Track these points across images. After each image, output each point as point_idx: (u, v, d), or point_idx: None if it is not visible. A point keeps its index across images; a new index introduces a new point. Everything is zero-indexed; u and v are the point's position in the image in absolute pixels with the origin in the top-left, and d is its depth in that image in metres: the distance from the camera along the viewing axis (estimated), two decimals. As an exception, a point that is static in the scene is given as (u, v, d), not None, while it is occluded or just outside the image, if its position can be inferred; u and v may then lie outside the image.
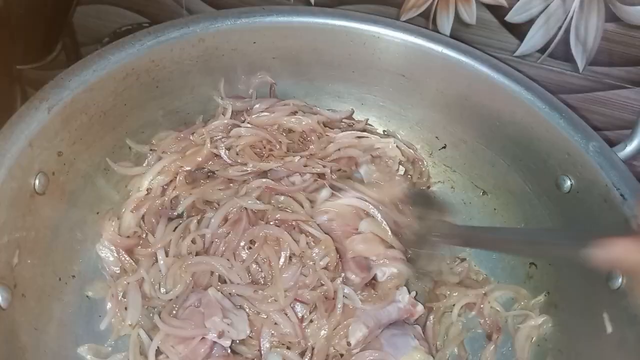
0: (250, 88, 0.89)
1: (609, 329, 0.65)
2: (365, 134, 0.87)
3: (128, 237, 0.76)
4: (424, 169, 0.90)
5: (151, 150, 0.81)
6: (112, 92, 0.74)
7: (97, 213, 0.78)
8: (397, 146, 0.87)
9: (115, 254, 0.75)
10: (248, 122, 0.84)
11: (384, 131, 0.94)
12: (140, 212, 0.77)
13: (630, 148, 0.70)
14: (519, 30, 0.89)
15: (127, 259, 0.75)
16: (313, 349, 0.68)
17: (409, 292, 0.73)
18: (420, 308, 0.73)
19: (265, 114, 0.86)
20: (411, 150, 0.90)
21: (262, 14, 0.82)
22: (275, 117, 0.85)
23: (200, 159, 0.80)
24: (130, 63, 0.74)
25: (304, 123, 0.86)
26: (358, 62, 0.87)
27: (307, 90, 0.92)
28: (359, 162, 0.85)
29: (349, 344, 0.66)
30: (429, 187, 0.91)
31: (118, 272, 0.76)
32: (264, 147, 0.83)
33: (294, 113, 0.87)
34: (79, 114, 0.70)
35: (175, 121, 0.86)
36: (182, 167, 0.79)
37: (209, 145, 0.80)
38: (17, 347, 0.61)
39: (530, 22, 0.87)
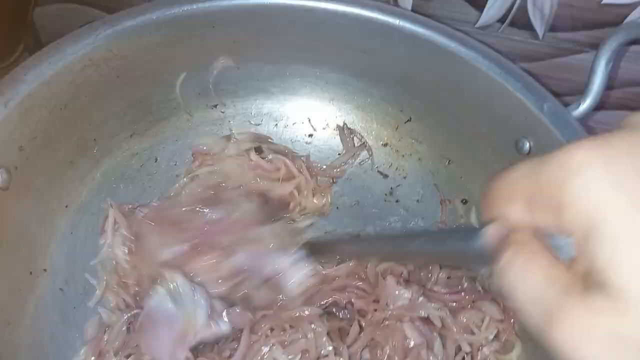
0: (212, 76, 0.90)
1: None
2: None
3: None
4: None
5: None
6: (71, 84, 0.73)
7: (66, 206, 0.79)
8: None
9: None
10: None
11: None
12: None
13: (583, 106, 0.72)
14: (478, 1, 0.90)
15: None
16: None
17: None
18: None
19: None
20: None
21: (218, -3, 0.82)
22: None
23: None
24: (88, 54, 0.73)
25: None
26: (319, 40, 0.87)
27: (270, 73, 0.93)
28: None
29: None
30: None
31: None
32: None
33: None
34: (38, 108, 0.70)
35: (139, 111, 0.86)
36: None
37: None
38: (-12, 340, 0.62)
39: (488, -8, 0.88)
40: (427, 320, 0.70)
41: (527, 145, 0.75)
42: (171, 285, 0.66)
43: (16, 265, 0.69)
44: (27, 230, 0.72)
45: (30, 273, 0.72)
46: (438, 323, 0.71)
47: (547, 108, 0.72)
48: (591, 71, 0.72)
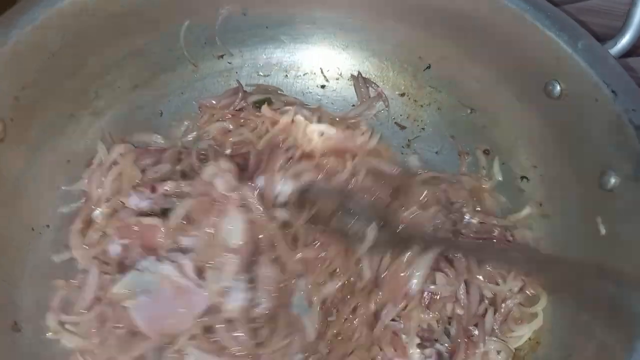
0: (217, 23, 0.84)
1: (603, 231, 0.62)
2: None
3: None
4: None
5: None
6: (66, 30, 0.69)
7: (68, 161, 0.76)
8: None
9: None
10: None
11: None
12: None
13: (622, 43, 0.66)
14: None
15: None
16: None
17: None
18: None
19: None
20: None
21: (221, -64, 0.76)
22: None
23: None
24: (82, -3, 0.69)
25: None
26: (331, -17, 0.82)
27: (279, 20, 0.87)
28: None
29: None
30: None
31: None
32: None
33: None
34: (31, 54, 0.66)
35: (141, 61, 0.82)
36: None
37: None
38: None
39: None
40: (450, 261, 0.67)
41: (558, 88, 0.69)
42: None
43: (16, 221, 0.67)
44: (26, 185, 0.69)
45: (32, 229, 0.70)
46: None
47: (581, 46, 0.65)
48: (632, 3, 0.65)
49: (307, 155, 0.76)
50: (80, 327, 0.66)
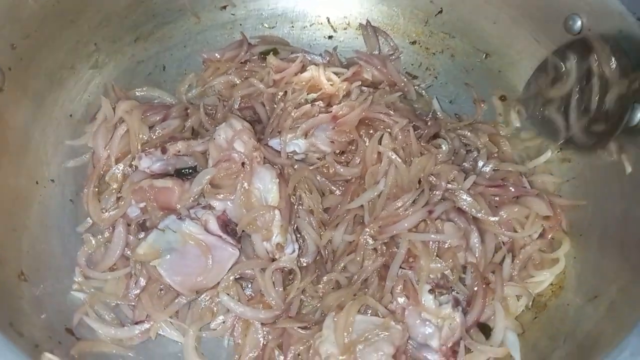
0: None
1: (629, 169, 0.59)
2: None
3: None
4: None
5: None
6: (63, -24, 0.67)
7: (70, 116, 0.74)
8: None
9: None
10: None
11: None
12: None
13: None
14: None
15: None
16: None
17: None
18: None
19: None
20: None
21: None
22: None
23: None
24: (76, -60, 0.66)
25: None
26: None
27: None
28: None
29: None
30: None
31: None
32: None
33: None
34: (26, 1, 0.64)
35: (142, 13, 0.79)
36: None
37: None
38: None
39: None
40: (464, 212, 0.65)
41: (579, 22, 0.65)
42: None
43: (20, 173, 0.66)
44: (29, 138, 0.67)
45: (37, 182, 0.68)
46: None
47: (604, -27, 0.61)
48: None
49: (328, 98, 0.74)
50: (109, 284, 0.66)
